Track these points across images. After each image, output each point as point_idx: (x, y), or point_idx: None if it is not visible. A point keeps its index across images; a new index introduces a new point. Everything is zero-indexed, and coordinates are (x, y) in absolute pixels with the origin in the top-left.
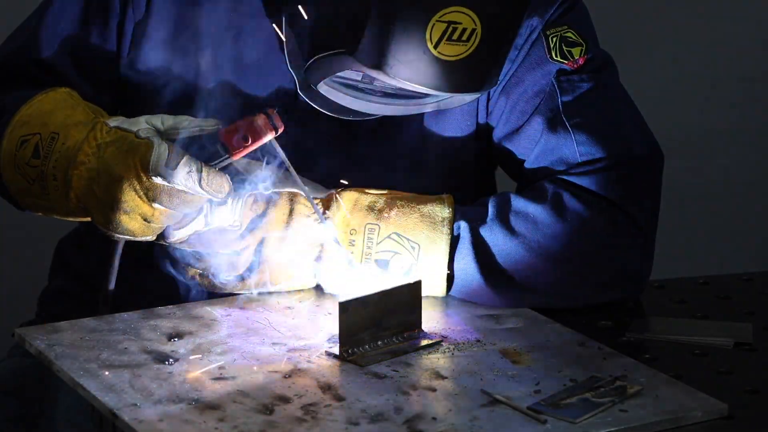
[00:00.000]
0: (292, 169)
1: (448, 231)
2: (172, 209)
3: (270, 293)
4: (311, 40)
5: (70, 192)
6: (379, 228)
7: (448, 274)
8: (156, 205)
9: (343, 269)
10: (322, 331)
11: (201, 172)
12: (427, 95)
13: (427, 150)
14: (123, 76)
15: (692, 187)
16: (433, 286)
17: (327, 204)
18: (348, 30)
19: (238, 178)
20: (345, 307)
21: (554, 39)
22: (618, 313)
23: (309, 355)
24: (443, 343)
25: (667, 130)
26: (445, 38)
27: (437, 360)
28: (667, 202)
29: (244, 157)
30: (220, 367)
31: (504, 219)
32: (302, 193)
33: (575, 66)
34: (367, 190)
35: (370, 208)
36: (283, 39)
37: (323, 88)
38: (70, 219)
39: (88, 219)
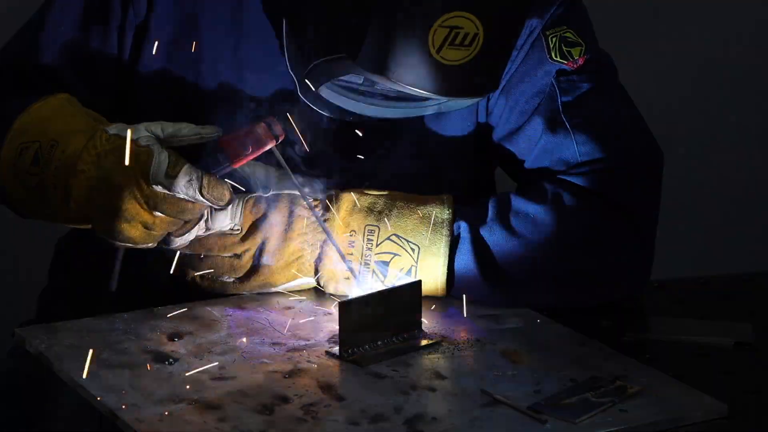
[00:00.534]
0: (291, 174)
1: (448, 233)
2: (173, 217)
3: (270, 293)
4: (312, 43)
5: (70, 200)
6: (379, 230)
7: (448, 275)
8: (157, 213)
9: (341, 273)
10: (322, 331)
11: (201, 180)
12: (428, 98)
13: (427, 150)
14: (123, 79)
15: (692, 187)
16: (433, 288)
17: (326, 205)
18: (349, 34)
19: (238, 181)
20: (345, 307)
21: (554, 39)
22: (618, 313)
23: (309, 355)
24: (443, 343)
25: (667, 130)
26: (447, 43)
27: (437, 360)
28: (667, 202)
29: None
30: (220, 367)
31: (504, 219)
32: (301, 193)
33: (575, 66)
34: (366, 191)
35: (370, 210)
36: (284, 41)
37: (324, 91)
38: (71, 226)
39: (89, 226)
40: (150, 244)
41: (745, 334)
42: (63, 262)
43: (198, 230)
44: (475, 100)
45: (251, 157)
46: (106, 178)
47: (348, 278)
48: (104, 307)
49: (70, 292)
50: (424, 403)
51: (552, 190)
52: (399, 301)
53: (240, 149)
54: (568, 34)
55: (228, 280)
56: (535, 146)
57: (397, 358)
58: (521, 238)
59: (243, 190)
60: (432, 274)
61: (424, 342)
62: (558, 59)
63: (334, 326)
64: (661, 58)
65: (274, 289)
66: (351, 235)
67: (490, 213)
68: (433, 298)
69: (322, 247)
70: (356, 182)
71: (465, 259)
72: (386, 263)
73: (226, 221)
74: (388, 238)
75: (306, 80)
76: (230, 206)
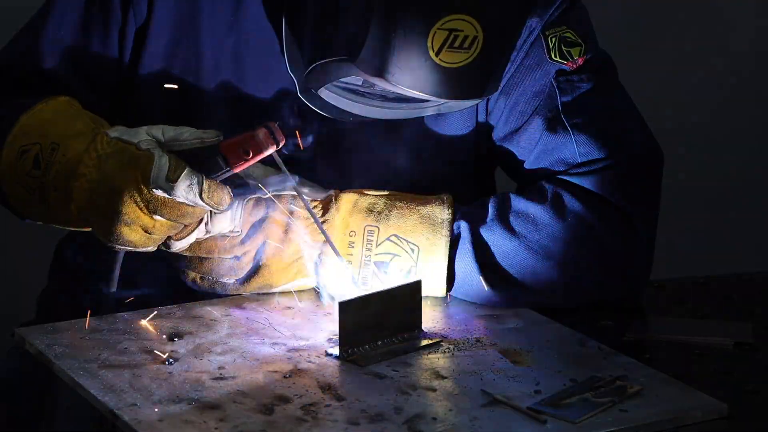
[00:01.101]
0: (290, 176)
1: (448, 233)
2: (173, 221)
3: (270, 293)
4: (312, 45)
5: (70, 203)
6: (379, 230)
7: (448, 275)
8: (157, 217)
9: (341, 273)
10: (322, 331)
11: (202, 184)
12: (427, 101)
13: (426, 150)
14: (124, 81)
15: (692, 187)
16: (433, 288)
17: (326, 206)
18: (349, 36)
19: (238, 185)
20: (345, 307)
21: (553, 39)
22: (618, 313)
23: (309, 355)
24: (443, 343)
25: (667, 130)
26: (446, 46)
27: (437, 360)
28: (667, 202)
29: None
30: (220, 367)
31: (504, 219)
32: (300, 195)
33: (574, 66)
34: (366, 191)
35: (369, 210)
36: (283, 42)
37: (323, 93)
38: (71, 229)
39: (89, 229)
40: (150, 248)
41: (745, 334)
42: (62, 262)
43: (198, 233)
44: (475, 102)
45: (252, 162)
46: (106, 181)
47: (347, 279)
48: (104, 307)
49: (70, 292)
50: (424, 403)
51: (552, 191)
52: (399, 301)
53: (241, 154)
54: (567, 34)
55: (228, 281)
56: (535, 146)
57: (397, 358)
58: (521, 238)
59: (242, 193)
60: (432, 275)
61: (424, 342)
62: (558, 59)
63: (334, 326)
64: (661, 58)
65: (274, 290)
66: (350, 236)
67: (490, 213)
68: (433, 298)
69: (321, 248)
70: (355, 182)
71: (465, 259)
72: (386, 264)
73: (225, 224)
74: (388, 239)
75: (306, 82)
76: (230, 209)
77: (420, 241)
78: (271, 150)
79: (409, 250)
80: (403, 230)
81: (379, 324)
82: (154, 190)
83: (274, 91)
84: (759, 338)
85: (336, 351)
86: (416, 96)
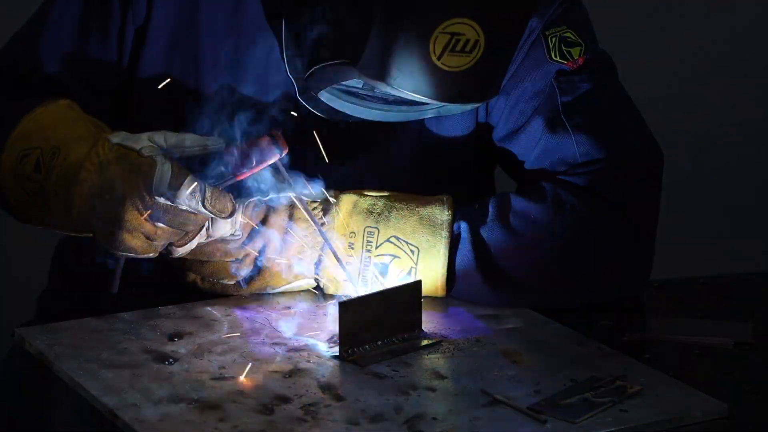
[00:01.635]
0: (288, 178)
1: (447, 234)
2: (175, 228)
3: (270, 293)
4: (312, 48)
5: (71, 209)
6: (378, 231)
7: (448, 275)
8: (159, 224)
9: (341, 275)
10: (322, 331)
11: (205, 192)
12: (428, 103)
13: (426, 150)
14: (123, 83)
15: (692, 187)
16: (433, 289)
17: (326, 207)
18: (350, 40)
19: (237, 187)
20: (345, 307)
21: (553, 39)
22: (618, 313)
23: (309, 355)
24: (443, 343)
25: (667, 130)
26: (448, 49)
27: (437, 360)
28: (668, 202)
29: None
30: (220, 367)
31: (504, 219)
32: (299, 199)
33: (575, 66)
34: (365, 192)
35: (369, 211)
36: (283, 45)
37: (323, 95)
38: (72, 234)
39: (90, 234)
40: (151, 254)
41: (745, 334)
42: (62, 263)
43: (199, 238)
44: (475, 105)
45: (255, 170)
46: (108, 187)
47: (347, 280)
48: (104, 307)
49: (69, 293)
50: (424, 403)
51: (552, 190)
52: (399, 301)
53: (244, 162)
54: (567, 34)
55: (229, 283)
56: (535, 146)
57: (397, 358)
58: (521, 238)
59: (243, 196)
60: (431, 276)
61: (424, 342)
62: (558, 59)
63: (334, 326)
64: (661, 58)
65: (274, 291)
66: (350, 237)
67: (491, 213)
68: (433, 298)
69: (321, 249)
70: (355, 183)
71: (465, 259)
72: (386, 265)
73: (226, 228)
74: (388, 240)
75: (306, 85)
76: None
77: (420, 243)
78: (274, 158)
79: (409, 252)
80: (402, 232)
81: (379, 324)
82: (156, 197)
83: (273, 93)
84: (759, 338)
85: (336, 351)
86: (417, 100)
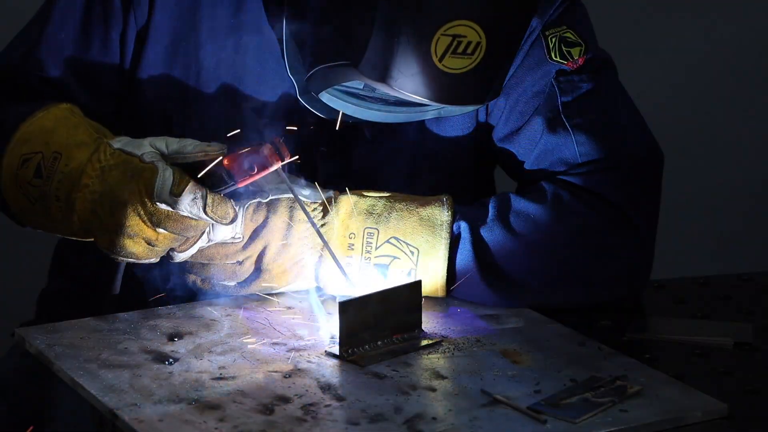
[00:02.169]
0: (288, 181)
1: (447, 235)
2: (177, 234)
3: (270, 293)
4: (313, 49)
5: (73, 214)
6: (378, 232)
7: (448, 275)
8: (160, 230)
9: (341, 275)
10: (322, 331)
11: (206, 198)
12: (428, 105)
13: (426, 150)
14: (124, 85)
15: (692, 187)
16: (433, 290)
17: (326, 208)
18: (351, 41)
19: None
20: (345, 307)
21: (553, 39)
22: (618, 313)
23: (309, 355)
24: (443, 343)
25: (667, 130)
26: (450, 51)
27: (437, 360)
28: (668, 202)
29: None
30: (220, 367)
31: (504, 219)
32: (299, 202)
33: (575, 66)
34: (365, 193)
35: (369, 212)
36: (284, 46)
37: (324, 96)
38: (73, 238)
39: (91, 239)
40: (152, 260)
41: (745, 334)
42: (62, 263)
43: (200, 243)
44: (476, 107)
45: (256, 177)
46: (110, 193)
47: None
48: (104, 307)
49: (70, 293)
50: (424, 403)
51: (552, 191)
52: (399, 301)
53: (246, 169)
54: (567, 34)
55: (230, 284)
56: (535, 146)
57: (397, 358)
58: (521, 239)
59: (243, 198)
60: (431, 277)
61: (424, 342)
62: (558, 59)
63: (334, 326)
64: (661, 58)
65: (274, 291)
66: (350, 238)
67: (491, 213)
68: (433, 298)
69: (322, 250)
70: (355, 184)
71: (465, 259)
72: (386, 266)
73: (227, 231)
74: (388, 241)
75: (307, 86)
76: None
77: (420, 244)
78: (275, 166)
79: (408, 253)
80: (402, 233)
81: (379, 324)
82: (157, 203)
83: (274, 93)
84: (759, 338)
85: (336, 351)
86: (418, 101)
